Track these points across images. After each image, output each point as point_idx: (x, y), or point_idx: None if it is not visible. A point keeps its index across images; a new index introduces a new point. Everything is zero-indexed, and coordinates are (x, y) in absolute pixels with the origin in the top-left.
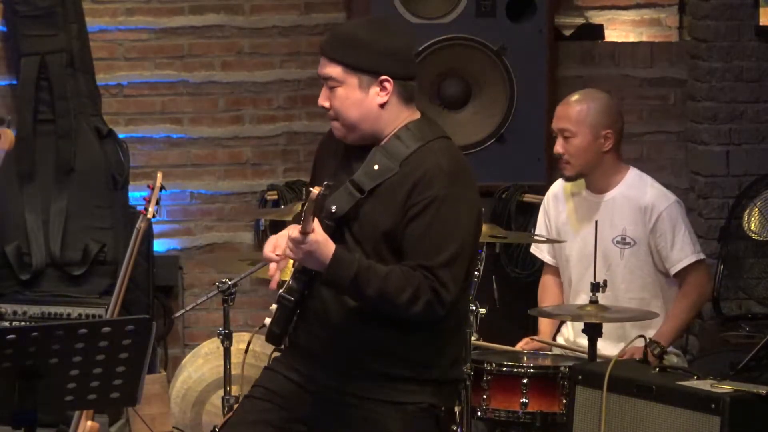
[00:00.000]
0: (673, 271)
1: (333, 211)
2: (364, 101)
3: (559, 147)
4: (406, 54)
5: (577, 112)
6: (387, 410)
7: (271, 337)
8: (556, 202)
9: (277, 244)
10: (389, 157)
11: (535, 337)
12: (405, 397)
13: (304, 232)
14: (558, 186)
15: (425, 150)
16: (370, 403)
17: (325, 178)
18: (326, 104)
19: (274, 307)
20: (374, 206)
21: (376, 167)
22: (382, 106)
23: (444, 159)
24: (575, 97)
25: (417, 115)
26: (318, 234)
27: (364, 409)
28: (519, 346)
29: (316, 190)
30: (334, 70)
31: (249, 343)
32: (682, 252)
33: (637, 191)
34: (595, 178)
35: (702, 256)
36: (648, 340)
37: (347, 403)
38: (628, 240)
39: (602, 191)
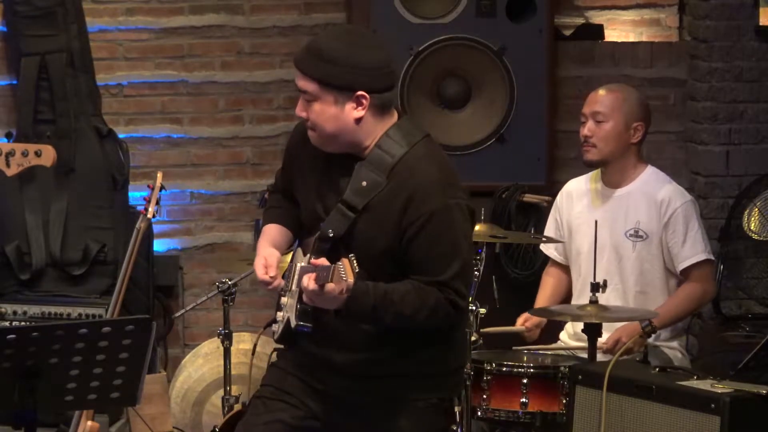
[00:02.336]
0: (681, 267)
1: (330, 235)
2: (339, 116)
3: (586, 130)
4: (383, 67)
5: (613, 99)
6: (397, 407)
7: (283, 339)
8: (570, 199)
9: (268, 263)
10: (374, 170)
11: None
12: (415, 394)
13: (321, 284)
14: (572, 184)
15: (410, 159)
16: (380, 401)
17: (307, 176)
18: (303, 114)
19: (281, 315)
20: (369, 224)
21: (364, 183)
22: (359, 120)
23: (432, 168)
24: (612, 86)
25: (394, 118)
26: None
27: (374, 406)
28: (519, 323)
29: (346, 264)
30: (309, 86)
31: (255, 346)
32: (693, 249)
33: (653, 186)
34: (613, 170)
35: (711, 257)
36: None
37: (357, 401)
38: (641, 233)
39: (617, 185)
